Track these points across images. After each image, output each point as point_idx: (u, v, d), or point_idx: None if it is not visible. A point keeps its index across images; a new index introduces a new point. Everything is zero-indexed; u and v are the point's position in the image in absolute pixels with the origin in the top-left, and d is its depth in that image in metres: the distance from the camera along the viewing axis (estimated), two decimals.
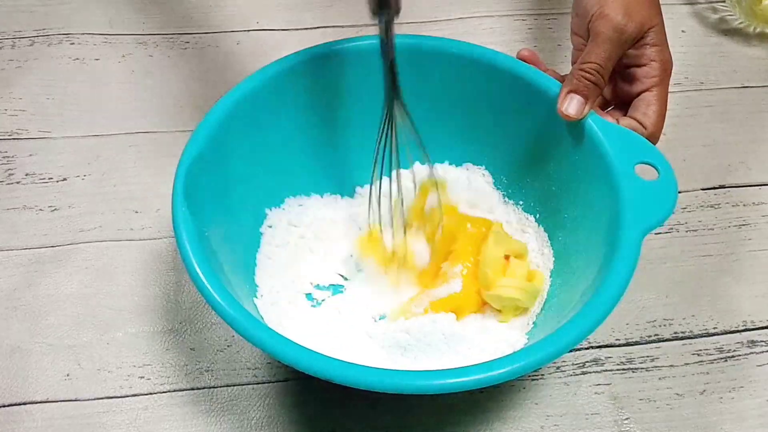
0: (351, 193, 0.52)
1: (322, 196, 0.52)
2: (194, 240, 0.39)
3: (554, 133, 0.46)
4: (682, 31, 0.67)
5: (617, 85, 0.47)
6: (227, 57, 0.63)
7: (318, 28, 0.66)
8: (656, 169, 0.42)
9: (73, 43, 0.63)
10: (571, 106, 0.43)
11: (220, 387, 0.46)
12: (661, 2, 0.47)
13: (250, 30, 0.65)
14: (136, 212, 0.53)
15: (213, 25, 0.65)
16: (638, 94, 0.45)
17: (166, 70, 0.62)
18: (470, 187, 0.51)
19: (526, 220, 0.50)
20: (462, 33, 0.66)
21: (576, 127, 0.44)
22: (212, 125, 0.44)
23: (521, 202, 0.51)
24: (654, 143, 0.44)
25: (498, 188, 0.52)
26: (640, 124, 0.45)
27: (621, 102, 0.47)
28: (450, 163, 0.52)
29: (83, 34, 0.64)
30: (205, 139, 0.43)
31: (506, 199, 0.51)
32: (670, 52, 0.46)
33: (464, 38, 0.60)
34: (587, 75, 0.43)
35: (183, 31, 0.65)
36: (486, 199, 0.51)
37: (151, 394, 0.45)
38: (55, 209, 0.53)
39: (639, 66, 0.45)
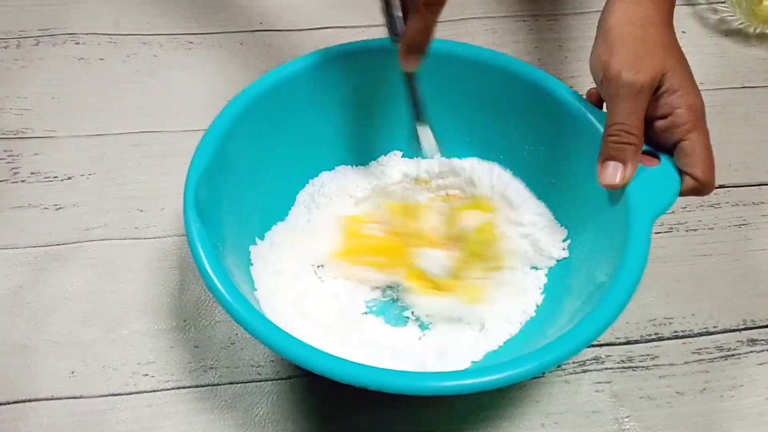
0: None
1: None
2: (208, 248, 0.39)
3: (561, 133, 0.47)
4: (683, 32, 0.67)
5: (651, 143, 0.43)
6: (231, 57, 0.64)
7: (321, 29, 0.66)
8: (657, 157, 0.42)
9: (78, 43, 0.64)
10: (608, 174, 0.41)
11: (224, 384, 0.46)
12: None
13: (253, 30, 0.66)
14: (141, 211, 0.54)
15: (217, 26, 0.66)
16: (674, 146, 0.42)
17: (170, 70, 0.62)
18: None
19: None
20: (464, 34, 0.66)
21: (579, 123, 0.45)
22: (218, 135, 0.44)
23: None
24: (709, 192, 0.42)
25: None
26: (690, 176, 0.41)
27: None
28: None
29: (88, 33, 0.64)
30: (212, 149, 0.43)
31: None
32: (697, 94, 0.42)
33: (466, 39, 0.61)
34: (614, 138, 0.41)
35: (187, 31, 0.65)
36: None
37: (155, 391, 0.45)
38: (59, 208, 0.54)
39: (663, 117, 0.42)
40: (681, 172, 0.42)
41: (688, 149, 0.41)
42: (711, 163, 0.42)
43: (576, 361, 0.48)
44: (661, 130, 0.42)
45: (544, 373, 0.46)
